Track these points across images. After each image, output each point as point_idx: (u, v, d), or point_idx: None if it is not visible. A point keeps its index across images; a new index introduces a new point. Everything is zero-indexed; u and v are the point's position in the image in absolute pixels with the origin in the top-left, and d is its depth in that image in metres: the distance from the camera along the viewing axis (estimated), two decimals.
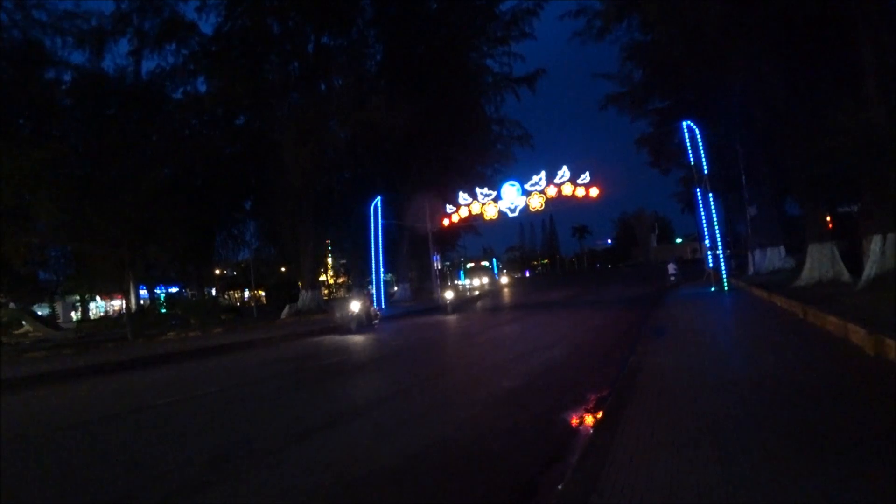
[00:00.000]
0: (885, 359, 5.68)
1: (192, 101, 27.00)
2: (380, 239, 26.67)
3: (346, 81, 31.17)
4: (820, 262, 14.98)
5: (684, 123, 18.86)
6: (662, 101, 25.38)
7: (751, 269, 23.65)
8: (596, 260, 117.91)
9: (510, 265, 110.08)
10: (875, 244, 10.60)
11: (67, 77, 24.90)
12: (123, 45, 26.18)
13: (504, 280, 74.66)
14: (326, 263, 55.25)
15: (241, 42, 27.55)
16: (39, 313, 31.28)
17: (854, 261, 15.00)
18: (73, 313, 42.10)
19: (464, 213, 23.69)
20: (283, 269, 42.55)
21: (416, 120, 29.58)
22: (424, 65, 30.12)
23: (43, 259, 30.51)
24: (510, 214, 21.98)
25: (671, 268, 26.28)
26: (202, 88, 27.85)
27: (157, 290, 41.67)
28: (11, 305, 26.61)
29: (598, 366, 7.78)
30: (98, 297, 44.12)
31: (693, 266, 41.22)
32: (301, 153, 25.05)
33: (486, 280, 71.73)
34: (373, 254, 26.79)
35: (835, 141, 10.59)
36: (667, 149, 25.67)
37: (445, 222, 24.85)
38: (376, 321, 17.41)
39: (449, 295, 22.08)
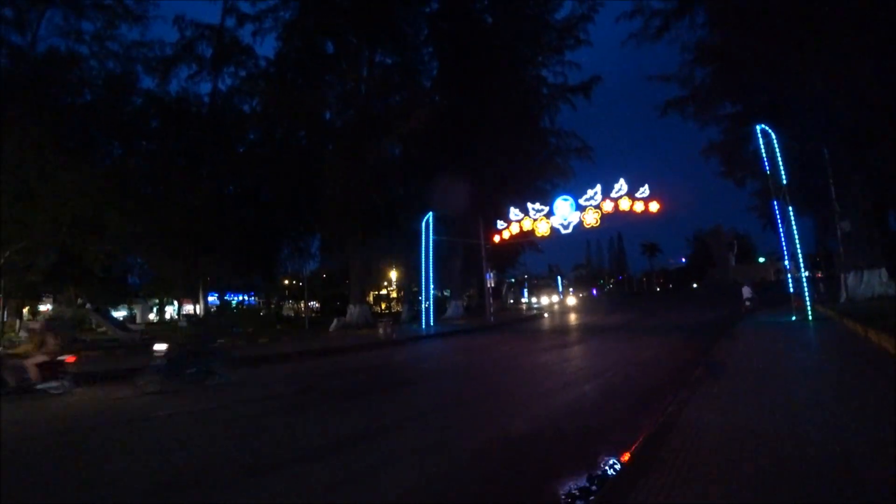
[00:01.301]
0: None
1: (249, 118, 27.62)
2: (430, 255, 25.79)
3: (402, 97, 31.00)
4: None
5: (758, 127, 16.59)
6: (733, 105, 22.88)
7: (843, 295, 20.47)
8: (668, 280, 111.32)
9: (577, 283, 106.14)
10: None
11: (138, 101, 26.28)
12: (184, 69, 27.25)
13: (568, 300, 71.68)
14: (389, 278, 55.21)
15: (297, 63, 27.97)
16: (115, 314, 33.10)
17: None
18: (150, 315, 44.51)
19: (514, 229, 22.30)
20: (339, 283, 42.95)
21: (471, 134, 28.69)
22: (479, 78, 29.28)
23: (126, 265, 32.47)
24: (563, 231, 20.32)
25: (746, 291, 23.42)
26: (258, 108, 28.56)
27: (228, 298, 43.20)
28: (88, 306, 28.22)
29: (628, 415, 6.25)
30: (176, 302, 46.54)
31: (776, 289, 37.22)
32: (350, 168, 24.80)
33: (551, 299, 69.31)
34: (423, 270, 25.93)
35: None
36: (740, 157, 22.99)
37: (496, 239, 23.50)
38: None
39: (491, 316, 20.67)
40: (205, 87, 29.30)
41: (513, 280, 77.86)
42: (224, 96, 27.77)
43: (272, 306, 51.55)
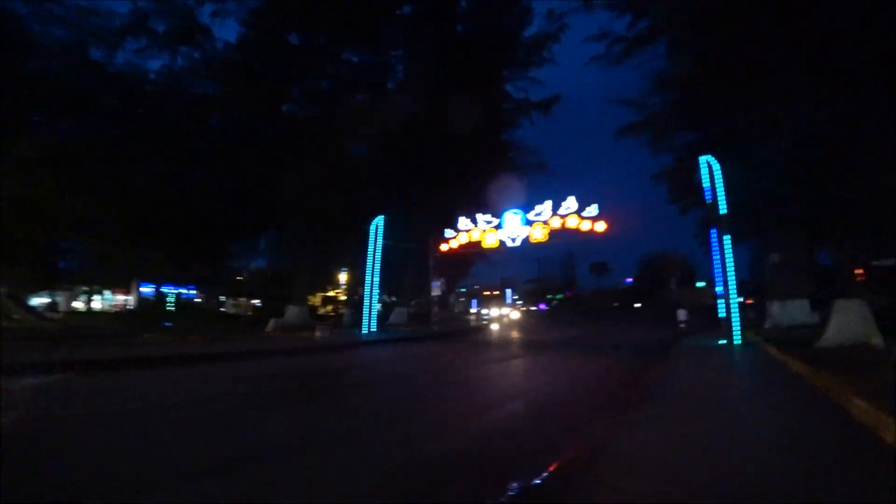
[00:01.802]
0: None
1: (204, 103, 26.34)
2: (377, 259, 25.35)
3: (368, 98, 30.58)
4: (848, 320, 12.98)
5: (703, 158, 17.16)
6: (686, 136, 23.72)
7: (768, 322, 21.45)
8: (616, 298, 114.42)
9: (528, 297, 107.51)
10: None
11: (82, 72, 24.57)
12: (134, 44, 25.74)
13: (517, 313, 72.42)
14: (339, 280, 54.12)
15: (260, 52, 27.07)
16: (37, 301, 30.86)
17: (891, 321, 13.02)
18: (76, 304, 41.78)
19: (463, 239, 22.25)
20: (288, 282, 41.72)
21: (432, 140, 28.55)
22: (446, 87, 29.22)
23: (59, 249, 30.40)
24: (511, 244, 20.42)
25: (682, 314, 24.20)
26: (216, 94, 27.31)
27: (167, 290, 41.14)
28: (2, 290, 26.19)
29: (557, 439, 6.08)
30: (109, 291, 43.96)
31: (712, 313, 38.77)
32: (309, 167, 24.15)
33: (502, 311, 69.73)
34: (368, 274, 25.45)
35: (880, 182, 8.89)
36: (687, 185, 23.83)
37: (444, 248, 23.39)
38: None
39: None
40: (155, 66, 27.35)
41: (464, 290, 78.12)
42: (178, 77, 26.37)
43: (214, 302, 49.58)
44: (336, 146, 25.01)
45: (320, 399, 8.67)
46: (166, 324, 26.33)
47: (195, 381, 10.25)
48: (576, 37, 25.24)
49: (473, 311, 70.05)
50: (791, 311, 20.54)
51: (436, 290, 27.94)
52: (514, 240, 20.27)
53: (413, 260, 29.75)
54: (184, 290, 45.71)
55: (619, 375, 11.04)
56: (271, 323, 25.62)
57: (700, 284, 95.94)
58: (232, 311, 45.60)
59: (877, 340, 12.30)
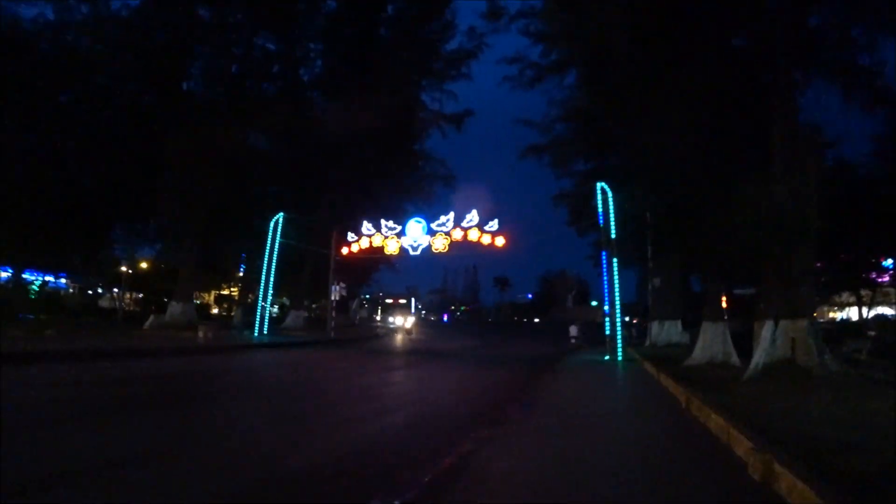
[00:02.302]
0: (775, 492, 4.08)
1: (88, 63, 23.19)
2: (274, 258, 24.00)
3: (277, 88, 29.09)
4: (713, 341, 14.17)
5: (598, 185, 18.05)
6: (587, 164, 25.00)
7: (648, 340, 23.01)
8: (516, 313, 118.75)
9: (432, 307, 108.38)
10: (766, 330, 9.53)
11: None
12: None
13: (419, 322, 72.39)
14: (237, 278, 50.77)
15: (163, 20, 24.68)
16: None
17: (747, 343, 14.28)
18: None
19: (364, 243, 21.69)
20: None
21: (341, 141, 27.68)
22: (362, 87, 28.54)
23: None
24: (412, 252, 20.19)
25: (573, 330, 25.31)
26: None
27: (31, 276, 36.08)
28: None
29: (428, 454, 5.75)
30: None
31: (602, 329, 41.04)
32: (201, 153, 22.33)
33: (405, 319, 69.14)
34: (264, 274, 24.01)
35: (741, 215, 9.63)
36: (585, 209, 25.05)
37: (345, 251, 22.67)
38: None
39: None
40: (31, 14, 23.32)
41: (367, 297, 76.77)
42: (57, 29, 22.94)
43: (90, 293, 44.49)
44: (236, 134, 23.36)
45: (188, 404, 7.77)
46: (24, 316, 23.07)
47: (57, 381, 8.90)
48: (493, 55, 25.81)
49: (378, 318, 69.12)
50: (668, 331, 22.17)
51: (335, 294, 26.97)
52: (415, 248, 20.06)
53: (313, 262, 28.56)
54: (52, 278, 40.47)
55: (506, 387, 11.07)
56: (150, 319, 23.34)
57: (594, 303, 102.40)
58: (110, 304, 41.17)
59: (734, 359, 13.51)
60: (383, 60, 28.76)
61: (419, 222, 20.28)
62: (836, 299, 39.98)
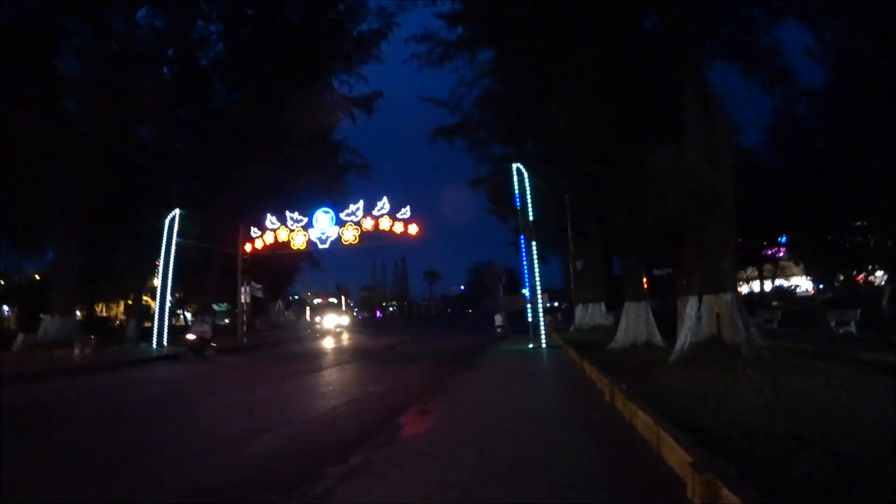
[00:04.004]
0: None
1: None
2: (171, 260, 21.19)
3: (170, 71, 25.99)
4: (636, 322, 13.54)
5: (515, 166, 17.03)
6: (503, 148, 23.92)
7: (573, 325, 22.47)
8: (448, 305, 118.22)
9: (363, 304, 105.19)
10: (690, 307, 8.67)
11: None
12: None
13: (350, 320, 69.57)
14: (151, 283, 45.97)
15: None
16: None
17: (667, 321, 13.77)
18: None
19: (269, 238, 19.49)
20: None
21: (243, 128, 25.12)
22: (268, 72, 25.95)
23: None
24: (320, 245, 18.30)
25: (498, 318, 24.40)
26: None
27: None
28: None
29: (293, 482, 4.23)
30: None
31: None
32: (68, 139, 19.15)
33: (336, 319, 66.19)
34: (160, 277, 21.18)
35: (658, 185, 8.72)
36: (504, 194, 24.06)
37: (249, 248, 20.34)
38: None
39: (190, 336, 17.23)
40: None
41: (296, 298, 73.10)
42: None
43: None
44: (117, 120, 20.29)
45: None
46: None
47: None
48: (403, 34, 24.01)
49: (308, 319, 65.60)
50: (592, 314, 21.69)
51: (245, 296, 24.48)
52: (324, 241, 18.16)
53: (223, 263, 25.79)
54: None
55: (415, 388, 9.63)
56: (19, 339, 19.95)
57: (524, 292, 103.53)
58: None
59: (658, 339, 12.91)
60: (288, 44, 26.31)
61: (327, 213, 18.37)
62: (742, 274, 42.10)
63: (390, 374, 12.70)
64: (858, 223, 30.39)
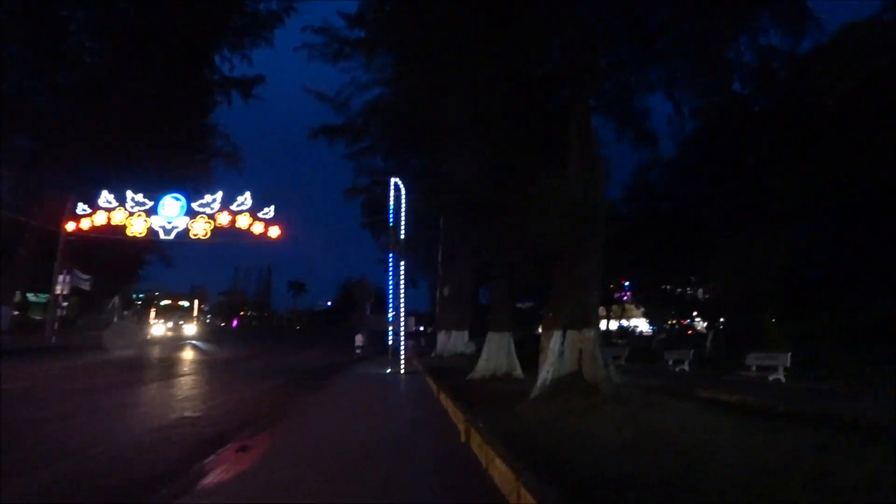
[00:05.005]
0: None
1: None
2: None
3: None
4: (498, 353, 13.14)
5: (393, 180, 16.17)
6: (385, 161, 22.83)
7: (435, 351, 21.89)
8: (314, 319, 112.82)
9: (221, 310, 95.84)
10: (555, 342, 8.29)
11: None
12: None
13: (203, 327, 62.42)
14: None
15: None
16: None
17: (525, 352, 13.62)
18: None
19: (101, 219, 16.19)
20: None
21: (98, 85, 21.12)
22: (140, 29, 22.12)
23: None
24: (164, 235, 15.55)
25: (359, 339, 23.06)
26: None
27: None
28: None
29: None
30: None
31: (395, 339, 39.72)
32: None
33: (186, 324, 58.75)
34: None
35: (536, 209, 8.39)
36: (379, 208, 22.92)
37: (72, 227, 16.73)
38: None
39: None
40: None
41: (141, 297, 64.19)
42: None
43: None
44: None
45: None
46: None
47: None
48: (299, 22, 21.93)
49: (151, 321, 57.40)
50: (455, 341, 21.26)
51: (63, 287, 20.27)
52: (168, 231, 15.44)
53: (35, 242, 21.12)
54: None
55: (247, 414, 8.01)
56: None
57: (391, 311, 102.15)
58: None
59: (518, 372, 12.64)
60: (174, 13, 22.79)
61: (177, 199, 15.70)
62: None
63: (225, 393, 10.76)
64: (690, 278, 34.32)
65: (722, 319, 28.99)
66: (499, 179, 13.17)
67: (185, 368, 16.21)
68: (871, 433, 6.35)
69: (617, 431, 5.94)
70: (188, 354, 22.95)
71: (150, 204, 15.81)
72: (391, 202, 15.87)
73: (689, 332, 38.91)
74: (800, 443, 5.54)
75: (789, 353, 13.76)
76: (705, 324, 39.33)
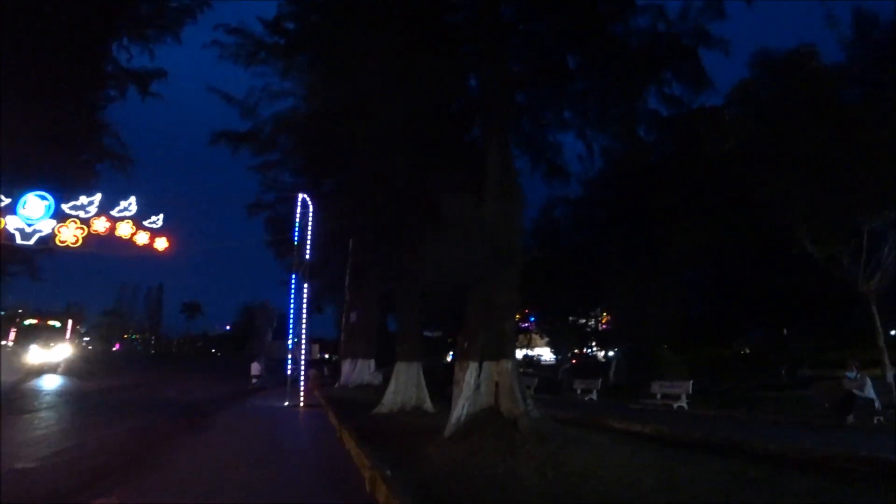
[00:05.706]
0: None
1: None
2: None
3: None
4: (406, 384, 12.24)
5: (301, 196, 15.00)
6: (295, 178, 21.34)
7: (339, 381, 20.42)
8: (211, 345, 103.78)
9: (103, 332, 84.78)
10: (469, 375, 7.63)
11: None
12: None
13: (75, 351, 54.57)
14: None
15: None
16: None
17: (437, 384, 12.88)
18: None
19: None
20: None
21: None
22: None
23: None
24: (21, 239, 12.84)
25: (255, 367, 21.02)
26: None
27: None
28: None
29: None
30: None
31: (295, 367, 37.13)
32: None
33: (58, 347, 51.01)
34: None
35: (451, 233, 7.84)
36: (285, 226, 21.25)
37: None
38: None
39: None
40: None
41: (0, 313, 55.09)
42: None
43: None
44: None
45: None
46: None
47: None
48: (211, 19, 19.84)
49: (8, 345, 49.06)
50: (360, 371, 19.98)
51: None
52: (28, 234, 12.77)
53: None
54: None
55: (98, 465, 6.44)
56: None
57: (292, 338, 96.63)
58: None
59: (428, 405, 11.85)
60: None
61: (43, 198, 13.10)
62: None
63: (80, 435, 8.82)
64: (590, 312, 35.79)
65: (616, 349, 30.29)
66: (413, 203, 12.62)
67: (40, 402, 13.56)
68: (778, 462, 6.59)
69: (538, 474, 5.42)
70: (51, 384, 19.57)
71: (7, 201, 13.11)
72: (297, 219, 14.63)
73: (589, 360, 40.67)
74: (723, 476, 5.46)
75: (691, 382, 14.26)
76: (602, 353, 41.19)
